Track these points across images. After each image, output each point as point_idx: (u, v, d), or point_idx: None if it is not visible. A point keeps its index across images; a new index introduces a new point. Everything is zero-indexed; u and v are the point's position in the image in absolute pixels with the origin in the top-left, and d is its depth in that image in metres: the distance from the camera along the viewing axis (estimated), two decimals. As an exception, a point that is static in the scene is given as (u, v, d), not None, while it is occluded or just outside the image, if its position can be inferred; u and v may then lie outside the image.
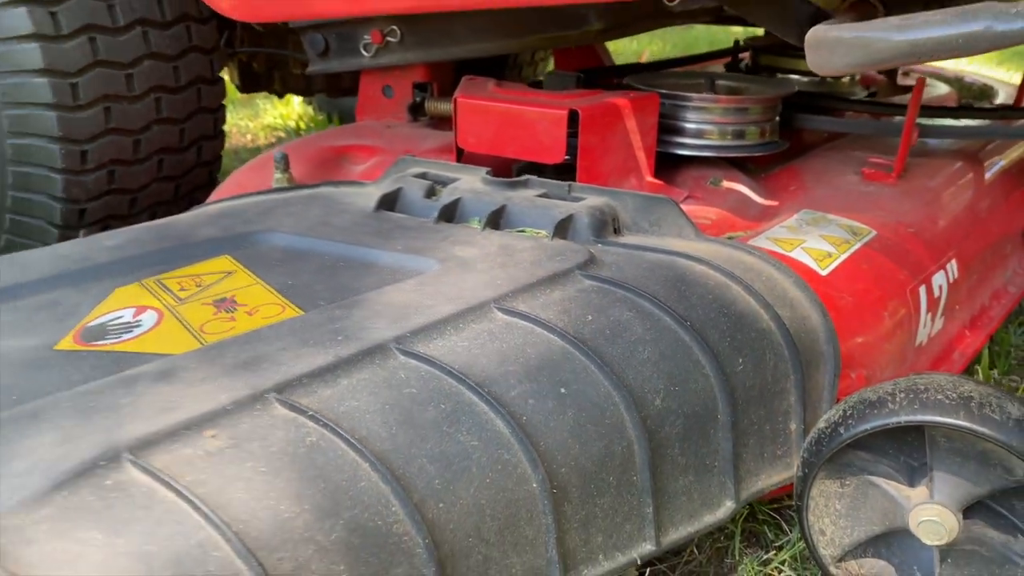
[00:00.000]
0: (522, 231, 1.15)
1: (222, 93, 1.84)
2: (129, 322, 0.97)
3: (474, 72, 1.84)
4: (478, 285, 0.98)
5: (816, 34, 1.11)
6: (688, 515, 0.97)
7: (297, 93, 2.49)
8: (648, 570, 1.12)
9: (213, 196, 1.51)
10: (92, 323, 0.98)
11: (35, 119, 1.54)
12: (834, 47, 1.08)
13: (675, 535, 0.96)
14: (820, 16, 1.31)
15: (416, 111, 1.83)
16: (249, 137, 3.38)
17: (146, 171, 1.71)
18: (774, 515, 1.24)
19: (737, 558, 1.16)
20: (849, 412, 0.94)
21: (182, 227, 1.20)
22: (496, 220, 1.16)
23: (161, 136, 1.70)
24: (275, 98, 3.73)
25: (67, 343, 0.94)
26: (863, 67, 1.09)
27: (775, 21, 1.36)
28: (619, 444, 0.90)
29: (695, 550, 1.19)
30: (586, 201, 1.17)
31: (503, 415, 0.83)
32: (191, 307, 0.99)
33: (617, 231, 1.16)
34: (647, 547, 0.93)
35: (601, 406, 0.89)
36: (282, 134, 3.45)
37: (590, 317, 0.95)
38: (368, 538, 0.73)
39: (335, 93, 2.52)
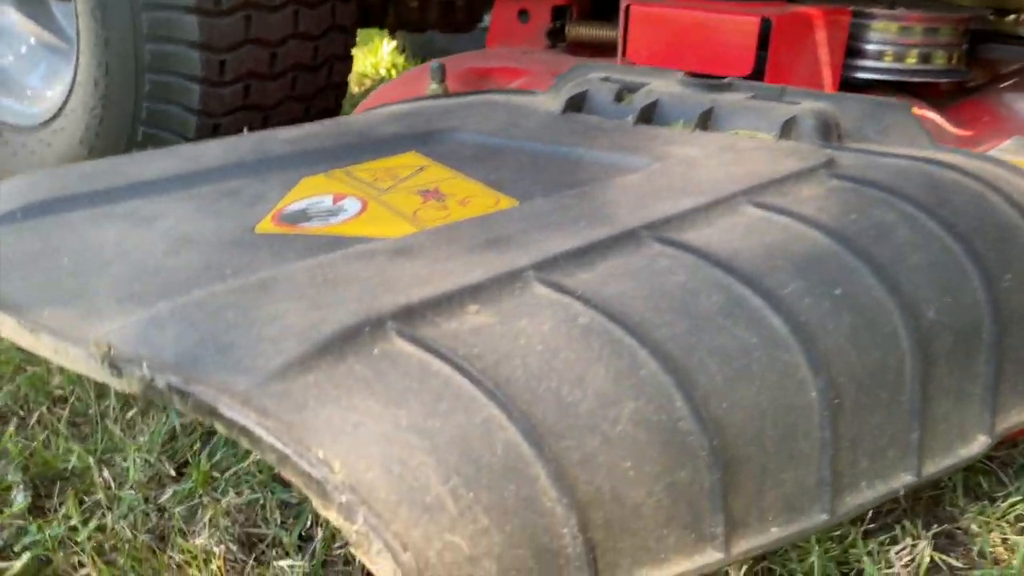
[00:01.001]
0: (735, 134, 1.05)
1: (355, 11, 1.75)
2: (331, 208, 0.89)
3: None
4: (717, 179, 0.88)
5: None
6: (946, 446, 0.86)
7: (410, 28, 2.40)
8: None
9: (363, 106, 1.42)
10: (288, 208, 0.89)
11: (176, 23, 1.46)
12: None
13: (933, 467, 0.85)
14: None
15: (555, 36, 1.72)
16: (341, 84, 3.30)
17: (280, 87, 1.63)
18: (988, 464, 1.13)
19: (961, 506, 1.05)
20: None
21: (359, 124, 1.11)
22: (704, 122, 1.06)
23: (296, 51, 1.62)
24: (364, 47, 3.67)
25: (267, 226, 0.86)
26: None
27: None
28: (892, 357, 0.79)
29: (900, 499, 1.08)
30: (805, 104, 1.06)
31: (780, 312, 0.73)
32: (396, 195, 0.91)
33: (839, 139, 1.05)
34: (907, 478, 0.83)
35: (875, 312, 0.79)
36: (370, 82, 3.38)
37: (853, 216, 0.84)
38: (653, 434, 0.64)
39: (448, 28, 2.42)
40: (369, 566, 0.52)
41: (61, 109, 1.65)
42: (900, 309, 0.79)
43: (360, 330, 0.61)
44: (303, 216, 0.87)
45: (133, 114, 1.55)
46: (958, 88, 1.53)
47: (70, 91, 1.62)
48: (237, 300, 0.67)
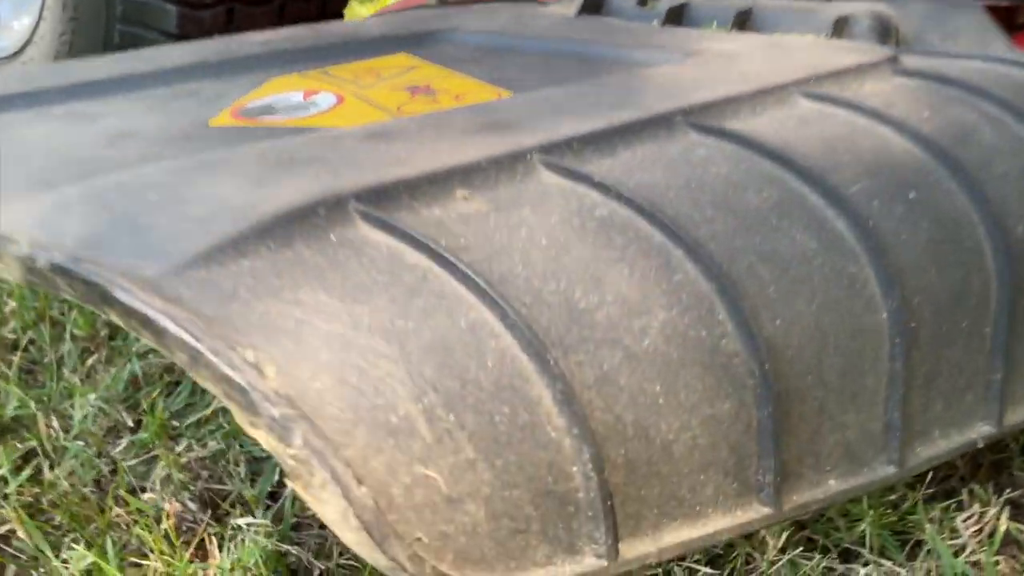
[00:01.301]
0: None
1: (351, -64, 1.61)
2: (301, 103, 0.75)
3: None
4: (762, 71, 0.74)
5: None
6: (1030, 393, 0.72)
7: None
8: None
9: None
10: (251, 104, 0.76)
11: (150, -65, 1.33)
12: None
13: (1015, 418, 0.71)
14: None
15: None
16: (343, 40, 3.16)
17: (266, 15, 1.49)
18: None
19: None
20: None
21: (342, 27, 0.98)
22: (742, 23, 0.91)
23: (285, -26, 1.49)
24: (370, 2, 3.52)
25: (224, 119, 0.72)
26: None
27: None
28: (977, 277, 0.65)
29: (957, 462, 0.94)
30: (858, 4, 0.92)
31: (846, 214, 0.59)
32: (379, 91, 0.77)
33: (898, 44, 0.91)
34: (986, 428, 0.69)
35: (957, 222, 0.64)
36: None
37: (926, 114, 0.70)
38: (689, 353, 0.50)
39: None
40: (310, 504, 0.38)
41: (30, 39, 1.52)
42: (985, 222, 0.65)
43: (314, 210, 0.47)
44: (267, 110, 0.73)
45: (104, 39, 1.41)
46: (1010, 21, 1.38)
47: (39, 17, 1.49)
48: (165, 180, 0.53)
